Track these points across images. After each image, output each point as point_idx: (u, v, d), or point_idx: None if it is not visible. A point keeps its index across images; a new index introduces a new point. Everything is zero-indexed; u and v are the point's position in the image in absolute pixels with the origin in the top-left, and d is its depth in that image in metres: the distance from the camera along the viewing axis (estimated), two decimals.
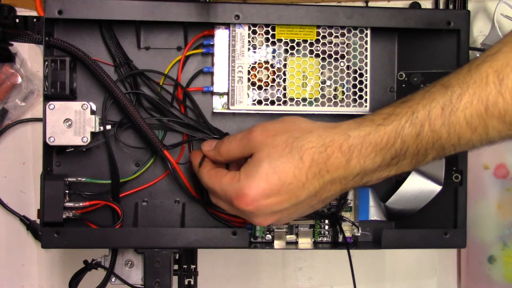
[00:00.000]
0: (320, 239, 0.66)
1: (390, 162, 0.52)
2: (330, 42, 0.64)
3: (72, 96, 0.62)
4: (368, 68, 0.65)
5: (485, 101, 0.49)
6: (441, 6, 0.84)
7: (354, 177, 0.53)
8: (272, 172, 0.52)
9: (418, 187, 0.65)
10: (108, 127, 0.62)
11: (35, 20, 0.66)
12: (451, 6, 0.82)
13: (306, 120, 0.56)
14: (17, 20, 0.66)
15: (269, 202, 0.52)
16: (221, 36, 0.64)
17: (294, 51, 0.64)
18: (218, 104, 0.65)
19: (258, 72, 0.64)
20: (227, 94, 0.64)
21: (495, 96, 0.49)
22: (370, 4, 0.85)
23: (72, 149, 0.62)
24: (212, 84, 0.64)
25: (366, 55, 0.65)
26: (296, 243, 0.66)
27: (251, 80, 0.64)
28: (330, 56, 0.64)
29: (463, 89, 0.50)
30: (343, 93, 0.65)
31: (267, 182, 0.52)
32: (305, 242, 0.66)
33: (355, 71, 0.65)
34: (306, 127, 0.54)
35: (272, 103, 0.64)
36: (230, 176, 0.54)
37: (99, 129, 0.61)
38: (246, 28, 0.63)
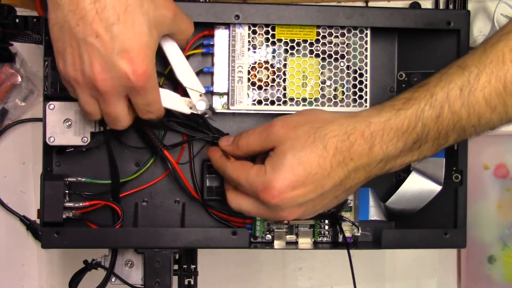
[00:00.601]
0: (320, 239, 0.66)
1: (412, 147, 0.53)
2: (330, 42, 0.64)
3: (72, 96, 0.62)
4: (368, 68, 0.65)
5: (503, 79, 0.50)
6: (441, 6, 0.84)
7: (378, 163, 0.53)
8: (297, 163, 0.52)
9: (418, 187, 0.65)
10: (108, 127, 0.62)
11: (35, 20, 0.66)
12: (451, 6, 0.82)
13: (325, 111, 0.56)
14: (17, 20, 0.66)
15: (296, 194, 0.52)
16: (221, 36, 0.63)
17: (294, 51, 0.64)
18: (218, 104, 0.65)
19: (258, 72, 0.64)
20: (227, 94, 0.64)
21: None
22: (370, 4, 0.85)
23: (72, 149, 0.62)
24: (212, 84, 0.64)
25: (366, 55, 0.65)
26: (296, 243, 0.66)
27: (251, 80, 0.64)
28: (330, 56, 0.64)
29: (480, 69, 0.51)
30: (343, 93, 0.65)
31: (293, 173, 0.52)
32: (305, 242, 0.66)
33: (355, 71, 0.65)
34: (327, 118, 0.54)
35: (272, 103, 0.64)
36: (257, 169, 0.54)
37: (99, 129, 0.61)
38: (246, 28, 0.63)
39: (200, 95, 0.60)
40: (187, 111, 0.60)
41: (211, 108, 0.61)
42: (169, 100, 0.59)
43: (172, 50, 0.58)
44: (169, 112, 0.63)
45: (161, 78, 0.63)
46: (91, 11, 0.50)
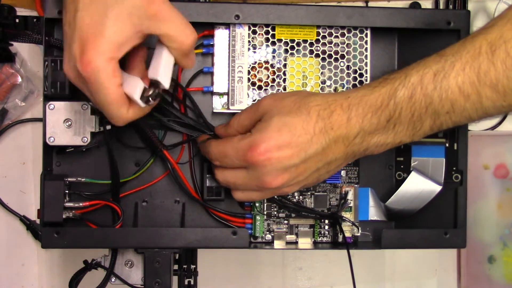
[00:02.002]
0: (320, 239, 0.66)
1: (386, 125, 0.55)
2: (330, 42, 0.64)
3: (72, 96, 0.62)
4: (368, 68, 0.65)
5: (477, 69, 0.51)
6: (441, 6, 0.84)
7: (355, 137, 0.55)
8: (282, 125, 0.54)
9: (418, 187, 0.65)
10: (108, 127, 0.62)
11: (35, 20, 0.66)
12: (451, 6, 0.82)
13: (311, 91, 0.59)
14: (17, 20, 0.66)
15: (281, 155, 0.54)
16: (221, 36, 0.63)
17: (294, 51, 0.64)
18: (218, 104, 0.65)
19: (258, 72, 0.64)
20: (227, 94, 0.64)
21: (487, 65, 0.51)
22: (370, 4, 0.85)
23: (72, 149, 0.62)
24: (212, 84, 0.64)
25: (366, 55, 0.65)
26: (296, 243, 0.66)
27: (251, 80, 0.64)
28: (330, 56, 0.64)
29: (456, 57, 0.53)
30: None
31: (278, 133, 0.54)
32: (305, 242, 0.66)
33: (355, 71, 0.65)
34: (312, 92, 0.59)
35: None
36: (242, 136, 0.56)
37: (99, 129, 0.61)
38: (246, 28, 0.63)
39: (153, 83, 0.54)
40: (140, 103, 0.53)
41: (158, 95, 0.55)
42: (129, 87, 0.53)
43: (158, 52, 0.53)
44: (169, 112, 0.63)
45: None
46: (70, 3, 0.50)
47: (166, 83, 0.54)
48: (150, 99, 0.54)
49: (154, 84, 0.54)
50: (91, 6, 0.49)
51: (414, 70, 0.54)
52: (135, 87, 0.53)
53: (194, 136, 0.63)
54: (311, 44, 0.64)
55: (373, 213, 0.67)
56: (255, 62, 0.64)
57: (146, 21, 0.50)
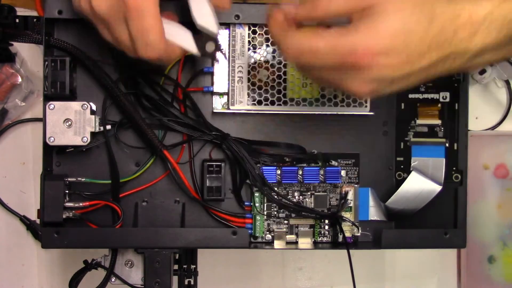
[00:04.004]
0: (320, 239, 0.66)
1: (504, 42, 0.47)
2: None
3: (72, 96, 0.62)
4: None
5: None
6: None
7: (470, 56, 0.47)
8: (400, 30, 0.44)
9: (418, 187, 0.65)
10: (108, 127, 0.62)
11: (35, 20, 0.66)
12: None
13: None
14: (17, 20, 0.66)
15: (386, 63, 0.45)
16: (221, 36, 0.63)
17: None
18: (218, 104, 0.65)
19: (258, 72, 0.64)
20: (227, 94, 0.64)
21: None
22: None
23: (72, 149, 0.62)
24: (212, 84, 0.64)
25: None
26: (296, 243, 0.66)
27: (251, 80, 0.64)
28: None
29: None
30: (343, 93, 0.64)
31: (392, 39, 0.44)
32: (305, 242, 0.66)
33: None
34: None
35: (272, 103, 0.64)
36: (341, 30, 0.45)
37: (99, 129, 0.61)
38: (246, 28, 0.63)
39: (212, 37, 0.55)
40: (194, 49, 0.54)
41: (219, 48, 0.55)
42: (175, 33, 0.52)
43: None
44: (169, 112, 0.63)
45: (161, 78, 0.64)
46: None
47: (215, 28, 0.53)
48: (207, 49, 0.53)
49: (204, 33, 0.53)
50: None
51: None
52: (184, 35, 0.52)
53: (194, 136, 0.63)
54: None
55: (373, 213, 0.67)
56: (255, 62, 0.64)
57: None
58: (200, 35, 0.55)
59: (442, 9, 0.45)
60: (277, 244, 0.65)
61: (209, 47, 0.55)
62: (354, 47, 0.44)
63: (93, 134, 0.61)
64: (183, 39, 0.54)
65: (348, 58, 0.45)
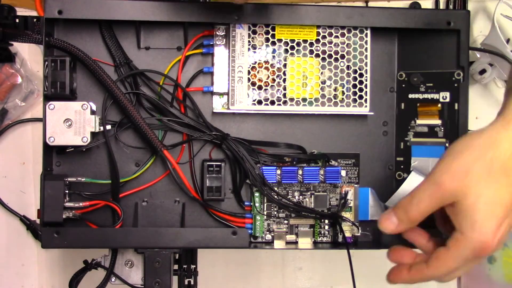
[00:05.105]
0: (320, 239, 0.66)
1: None
2: (330, 42, 0.64)
3: (72, 96, 0.62)
4: (368, 68, 0.65)
5: None
6: (441, 6, 0.84)
7: None
8: (493, 207, 0.50)
9: None
10: (108, 127, 0.62)
11: (35, 20, 0.66)
12: (451, 6, 0.82)
13: (473, 134, 0.52)
14: (17, 20, 0.66)
15: (503, 231, 0.50)
16: (221, 36, 0.63)
17: (294, 51, 0.64)
18: (218, 104, 0.65)
19: (258, 72, 0.64)
20: (227, 94, 0.64)
21: None
22: (370, 4, 0.85)
23: (72, 149, 0.62)
24: (212, 84, 0.64)
25: (366, 55, 0.65)
26: (296, 243, 0.66)
27: (251, 80, 0.64)
28: (330, 56, 0.64)
29: None
30: (343, 93, 0.65)
31: (495, 218, 0.50)
32: (305, 242, 0.66)
33: (355, 71, 0.65)
34: (484, 142, 0.51)
35: (272, 103, 0.64)
36: (455, 245, 0.51)
37: (99, 129, 0.61)
38: (246, 28, 0.63)
39: None
40: None
41: None
42: None
43: None
44: (169, 112, 0.63)
45: (161, 78, 0.64)
46: None
47: None
48: None
49: None
50: None
51: None
52: None
53: (194, 136, 0.63)
54: (311, 44, 0.64)
55: (373, 213, 0.67)
56: (255, 62, 0.64)
57: None
58: None
59: (506, 154, 0.49)
60: (277, 244, 0.65)
61: None
62: (478, 247, 0.50)
63: (93, 134, 0.61)
64: None
65: (481, 255, 0.51)
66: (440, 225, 0.57)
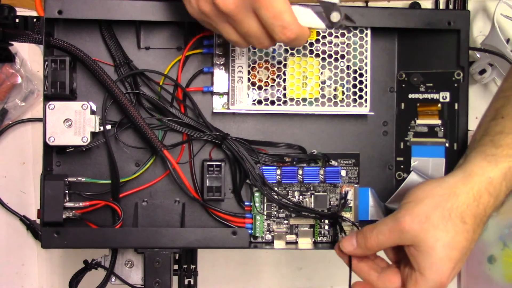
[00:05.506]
0: (320, 239, 0.66)
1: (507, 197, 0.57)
2: (330, 42, 0.64)
3: (72, 96, 0.62)
4: (368, 68, 0.65)
5: None
6: (441, 6, 0.84)
7: (502, 203, 0.56)
8: (449, 251, 0.54)
9: None
10: (108, 127, 0.62)
11: (35, 20, 0.66)
12: (451, 6, 0.82)
13: (434, 183, 0.56)
14: (17, 20, 0.66)
15: (455, 272, 0.56)
16: (221, 36, 0.63)
17: (294, 51, 0.64)
18: (218, 104, 0.65)
19: (258, 72, 0.64)
20: (227, 94, 0.64)
21: None
22: (370, 4, 0.85)
23: (72, 149, 0.62)
24: (212, 84, 0.64)
25: (366, 55, 0.65)
26: (296, 243, 0.66)
27: (251, 80, 0.64)
28: (330, 56, 0.64)
29: None
30: (343, 93, 0.65)
31: (451, 262, 0.54)
32: (305, 242, 0.66)
33: (355, 71, 0.65)
34: (446, 192, 0.55)
35: (272, 103, 0.64)
36: (414, 284, 0.56)
37: (99, 129, 0.61)
38: None
39: (332, 5, 0.54)
40: (322, 25, 0.54)
41: (346, 17, 0.55)
42: (303, 16, 0.53)
43: None
44: (169, 112, 0.63)
45: (161, 78, 0.64)
46: None
47: None
48: (333, 20, 0.53)
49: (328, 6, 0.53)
50: None
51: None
52: (307, 13, 0.53)
53: (194, 136, 0.63)
54: (311, 44, 0.64)
55: (373, 213, 0.67)
56: (255, 62, 0.64)
57: None
58: (319, 8, 0.54)
59: (464, 204, 0.54)
60: (277, 244, 0.65)
61: (334, 17, 0.54)
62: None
63: (93, 134, 0.61)
64: (308, 17, 0.54)
65: None
66: (388, 254, 0.61)
